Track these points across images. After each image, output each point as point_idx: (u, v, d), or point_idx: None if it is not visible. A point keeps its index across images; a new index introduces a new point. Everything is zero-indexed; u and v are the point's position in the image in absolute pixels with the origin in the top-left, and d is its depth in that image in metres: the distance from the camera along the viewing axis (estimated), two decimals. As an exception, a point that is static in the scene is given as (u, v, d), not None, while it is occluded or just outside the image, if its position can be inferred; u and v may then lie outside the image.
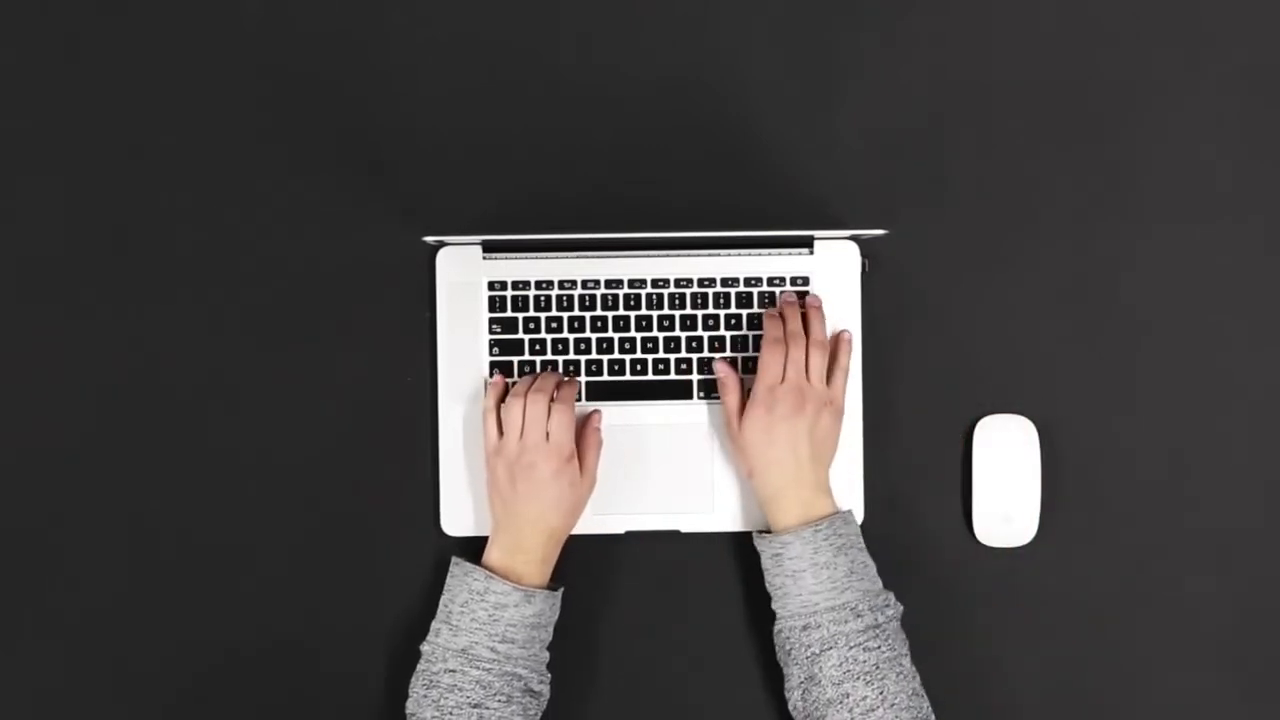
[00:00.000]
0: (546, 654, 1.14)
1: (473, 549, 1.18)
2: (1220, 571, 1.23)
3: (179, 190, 1.23)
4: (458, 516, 1.21)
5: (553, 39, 1.24)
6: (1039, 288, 1.23)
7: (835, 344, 1.19)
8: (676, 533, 1.22)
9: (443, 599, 1.14)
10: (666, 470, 1.21)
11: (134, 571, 1.22)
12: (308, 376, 1.22)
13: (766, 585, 1.15)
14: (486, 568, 1.14)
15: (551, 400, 1.15)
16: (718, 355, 1.20)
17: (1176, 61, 1.24)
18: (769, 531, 1.16)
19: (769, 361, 1.14)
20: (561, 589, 1.16)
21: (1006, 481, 1.21)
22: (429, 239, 1.17)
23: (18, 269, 1.22)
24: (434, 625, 1.13)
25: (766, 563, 1.14)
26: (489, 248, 1.21)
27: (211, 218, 1.23)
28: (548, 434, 1.13)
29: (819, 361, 1.15)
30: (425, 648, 1.13)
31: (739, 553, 1.21)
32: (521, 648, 1.11)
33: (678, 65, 1.24)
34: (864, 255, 1.22)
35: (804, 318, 1.18)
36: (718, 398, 1.20)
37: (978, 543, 1.22)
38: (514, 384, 1.18)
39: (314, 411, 1.22)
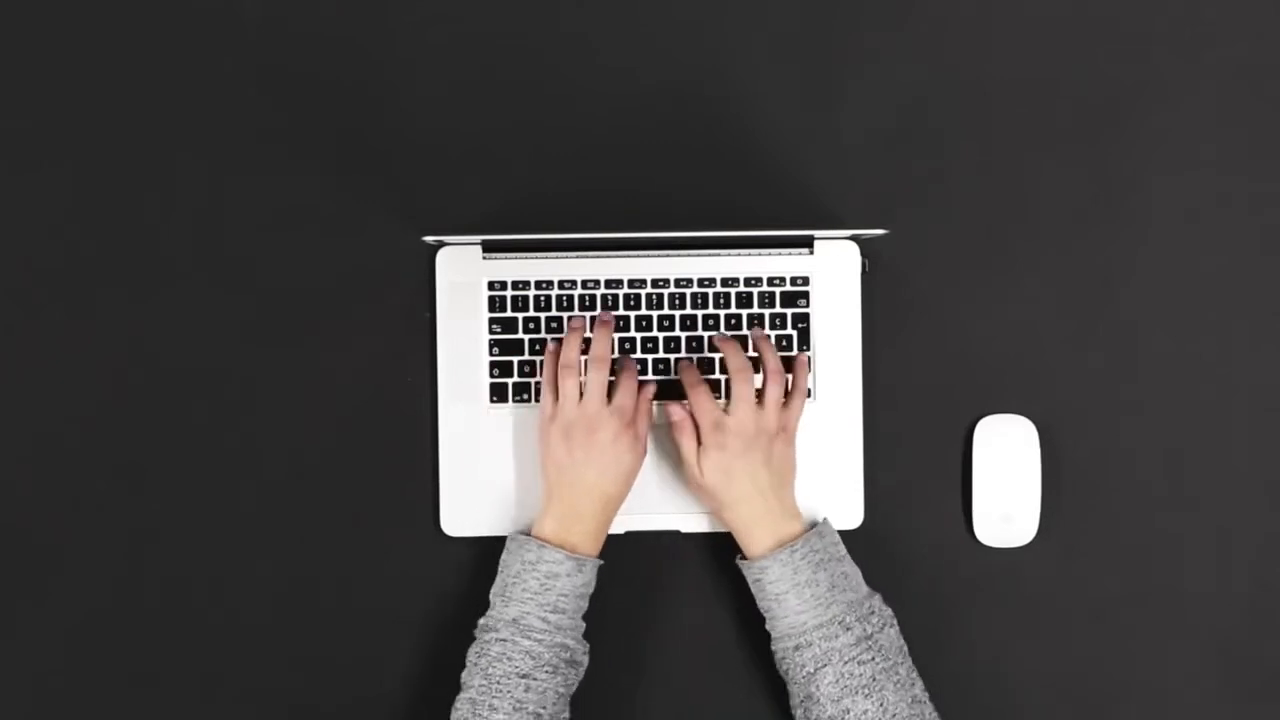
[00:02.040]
0: (584, 623, 1.14)
1: (473, 549, 1.18)
2: (1220, 571, 1.23)
3: (179, 190, 1.23)
4: (458, 516, 1.21)
5: (553, 39, 1.24)
6: (1038, 288, 1.23)
7: (793, 366, 1.19)
8: (677, 533, 1.22)
9: (498, 576, 1.14)
10: (666, 470, 1.21)
11: (134, 572, 1.22)
12: (308, 376, 1.22)
13: (758, 606, 1.15)
14: (539, 538, 1.14)
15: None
16: (671, 402, 1.18)
17: (1176, 61, 1.24)
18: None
19: (700, 405, 1.15)
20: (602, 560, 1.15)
21: (1006, 481, 1.21)
22: (429, 239, 1.17)
23: (18, 269, 1.22)
24: (491, 599, 1.13)
25: (752, 587, 1.15)
26: (489, 248, 1.21)
27: (211, 217, 1.23)
28: (609, 399, 1.14)
29: (775, 392, 1.15)
30: (481, 621, 1.13)
31: (738, 553, 1.21)
32: (570, 618, 1.11)
33: (678, 65, 1.24)
34: (864, 255, 1.22)
35: (757, 349, 1.18)
36: (717, 396, 1.20)
37: (978, 543, 1.22)
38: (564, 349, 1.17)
39: (314, 411, 1.22)
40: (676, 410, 1.17)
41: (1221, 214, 1.23)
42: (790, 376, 1.18)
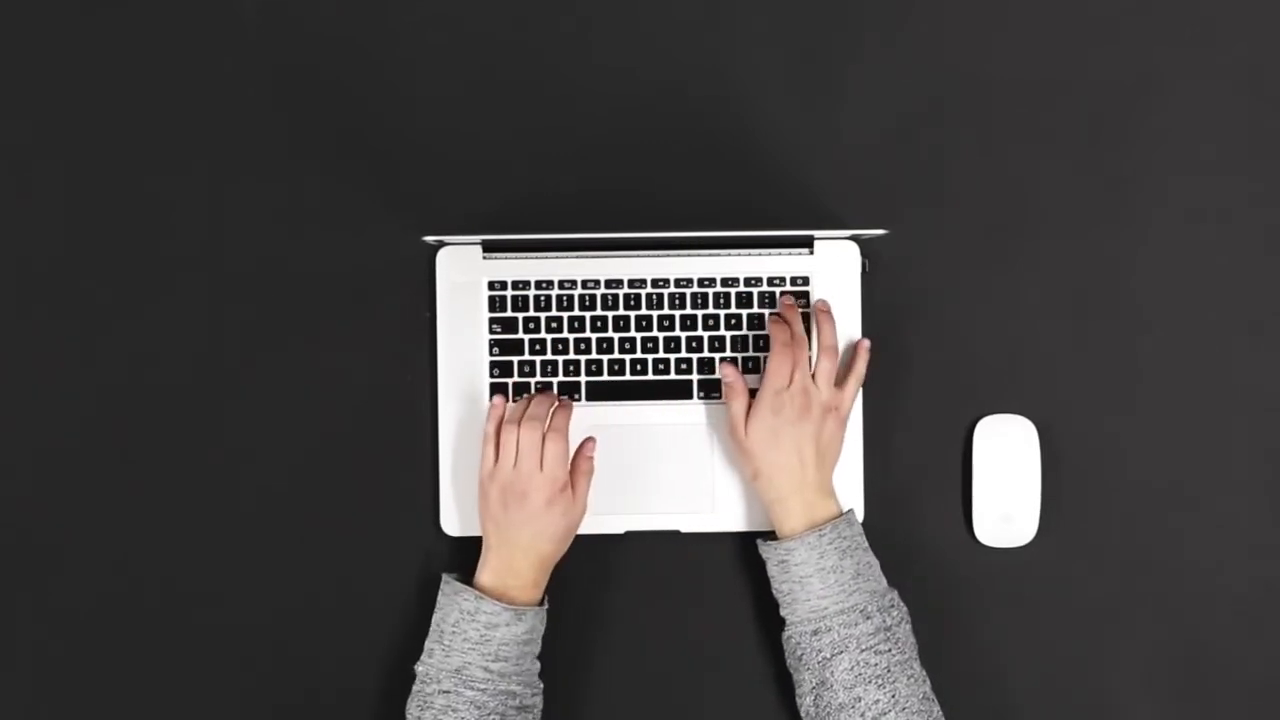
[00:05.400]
0: (537, 664, 1.14)
1: (472, 549, 1.18)
2: (1220, 572, 1.23)
3: (179, 190, 1.23)
4: (458, 516, 1.21)
5: (553, 39, 1.24)
6: (1039, 288, 1.23)
7: (854, 352, 1.19)
8: (676, 533, 1.22)
9: (435, 617, 1.13)
10: (666, 470, 1.21)
11: (134, 572, 1.22)
12: (308, 376, 1.22)
13: (773, 592, 1.15)
14: (478, 588, 1.13)
15: (546, 429, 1.14)
16: (724, 359, 1.20)
17: (1176, 61, 1.24)
18: (771, 538, 1.16)
19: (777, 366, 1.14)
20: (547, 603, 1.15)
21: (1006, 481, 1.21)
22: (429, 239, 1.17)
23: (18, 269, 1.22)
24: (427, 645, 1.13)
25: (772, 569, 1.14)
26: (489, 248, 1.21)
27: (212, 217, 1.23)
28: (541, 463, 1.13)
29: (828, 366, 1.16)
30: (419, 668, 1.12)
31: (739, 553, 1.21)
32: (514, 665, 1.11)
33: (678, 65, 1.24)
34: (864, 255, 1.22)
35: (816, 321, 1.18)
36: (718, 397, 1.20)
37: (978, 543, 1.22)
38: (511, 407, 1.17)
39: (314, 411, 1.22)
40: (730, 371, 1.17)
41: (1221, 214, 1.23)
42: (851, 361, 1.19)
